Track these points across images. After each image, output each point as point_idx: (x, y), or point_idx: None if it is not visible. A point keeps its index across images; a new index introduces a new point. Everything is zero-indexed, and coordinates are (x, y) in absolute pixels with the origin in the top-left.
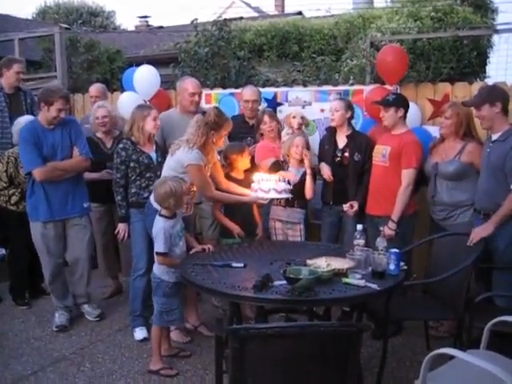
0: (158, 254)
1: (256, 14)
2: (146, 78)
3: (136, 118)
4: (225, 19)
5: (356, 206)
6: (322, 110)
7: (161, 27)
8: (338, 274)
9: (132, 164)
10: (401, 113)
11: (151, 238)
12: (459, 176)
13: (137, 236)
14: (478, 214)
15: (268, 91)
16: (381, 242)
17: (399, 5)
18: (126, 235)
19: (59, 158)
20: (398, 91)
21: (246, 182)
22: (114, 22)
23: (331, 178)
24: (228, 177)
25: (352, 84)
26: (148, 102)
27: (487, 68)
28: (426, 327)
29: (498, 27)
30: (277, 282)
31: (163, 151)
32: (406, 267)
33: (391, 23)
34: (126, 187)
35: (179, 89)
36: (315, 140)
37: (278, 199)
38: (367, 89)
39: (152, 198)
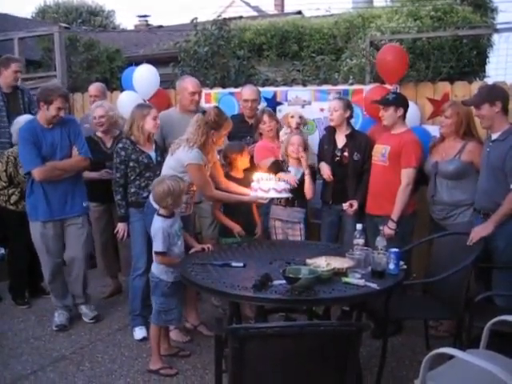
0: (156, 253)
1: (255, 14)
2: (145, 77)
3: (136, 118)
4: (224, 18)
5: (356, 205)
6: (322, 110)
7: (160, 26)
8: (338, 273)
9: (131, 163)
10: (400, 112)
11: (150, 237)
12: (459, 175)
13: (136, 235)
14: (478, 214)
15: (267, 90)
16: (380, 242)
17: (399, 4)
18: (126, 235)
19: (58, 158)
20: (398, 90)
21: (246, 182)
22: (114, 21)
23: (331, 177)
24: (227, 176)
25: (352, 83)
26: (147, 102)
27: (487, 67)
28: (426, 327)
29: (498, 26)
30: (276, 282)
31: (162, 150)
32: (405, 267)
33: (391, 23)
34: (126, 187)
35: (179, 88)
36: (315, 139)
37: (277, 199)
38: (367, 88)
39: (151, 197)
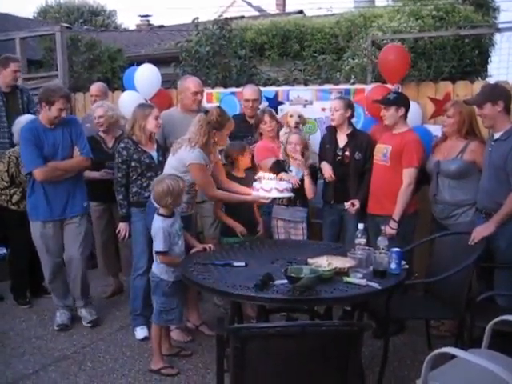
0: (157, 253)
1: (257, 13)
2: (146, 77)
3: (137, 117)
4: (226, 18)
5: (357, 204)
6: (323, 109)
7: (162, 26)
8: (340, 273)
9: (133, 163)
10: (401, 112)
11: (151, 237)
12: (461, 175)
13: (137, 235)
14: (480, 214)
15: (269, 90)
16: (382, 241)
17: (400, 3)
18: (127, 234)
19: (60, 158)
20: (400, 90)
21: (247, 181)
22: (115, 21)
23: (333, 176)
24: (229, 175)
25: (353, 83)
26: (149, 101)
27: (489, 67)
28: (428, 326)
29: (500, 26)
30: (278, 281)
31: (164, 150)
32: (407, 266)
33: (392, 22)
34: (127, 186)
35: (181, 88)
36: (316, 139)
37: (279, 198)
38: (369, 88)
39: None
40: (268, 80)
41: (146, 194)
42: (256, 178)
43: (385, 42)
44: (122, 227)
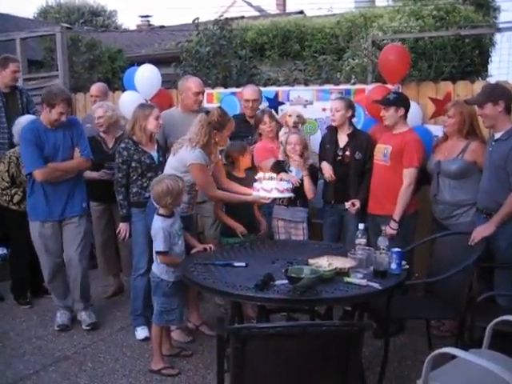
0: (158, 253)
1: (257, 13)
2: (147, 77)
3: (138, 118)
4: (226, 18)
5: (358, 204)
6: (324, 109)
7: (162, 26)
8: (340, 273)
9: (134, 164)
10: (401, 112)
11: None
12: (462, 175)
13: (138, 235)
14: (480, 214)
15: (269, 90)
16: (382, 242)
17: (401, 3)
18: (128, 235)
19: (60, 159)
20: (400, 90)
21: (248, 181)
22: (116, 21)
23: (333, 176)
24: (229, 175)
25: (354, 83)
26: (149, 102)
27: (489, 67)
28: (428, 326)
29: (500, 26)
30: (278, 282)
31: (164, 150)
32: (407, 266)
33: (393, 22)
34: (128, 187)
35: (182, 88)
36: (317, 139)
37: (280, 198)
38: (369, 88)
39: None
40: (268, 80)
41: (147, 195)
42: (256, 178)
43: (385, 42)
44: (123, 227)
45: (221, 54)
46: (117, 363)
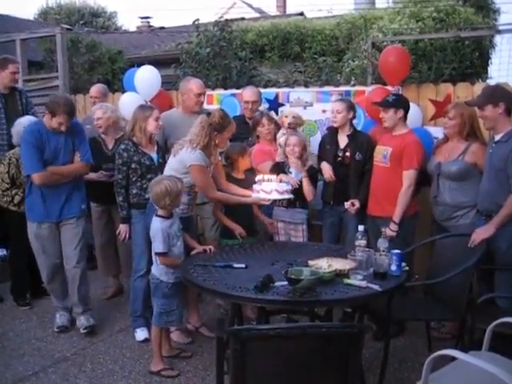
0: (157, 254)
1: (257, 15)
2: (146, 78)
3: (138, 119)
4: (226, 20)
5: (357, 204)
6: (324, 111)
7: (162, 28)
8: (340, 274)
9: (133, 165)
10: (400, 114)
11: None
12: (462, 176)
13: (137, 237)
14: (481, 215)
15: (269, 92)
16: (382, 243)
17: (401, 5)
18: (128, 236)
19: (60, 163)
20: (400, 92)
21: (247, 182)
22: (116, 22)
23: (333, 177)
24: (229, 177)
25: (354, 85)
26: (149, 103)
27: (489, 69)
28: (428, 328)
29: (500, 28)
30: (278, 283)
31: (164, 152)
32: (407, 268)
33: (393, 24)
34: (127, 188)
35: (184, 89)
36: (317, 141)
37: (279, 200)
38: (369, 89)
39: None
40: (268, 82)
41: (146, 196)
42: (256, 180)
43: (385, 43)
44: (123, 229)
45: (221, 55)
46: (116, 364)
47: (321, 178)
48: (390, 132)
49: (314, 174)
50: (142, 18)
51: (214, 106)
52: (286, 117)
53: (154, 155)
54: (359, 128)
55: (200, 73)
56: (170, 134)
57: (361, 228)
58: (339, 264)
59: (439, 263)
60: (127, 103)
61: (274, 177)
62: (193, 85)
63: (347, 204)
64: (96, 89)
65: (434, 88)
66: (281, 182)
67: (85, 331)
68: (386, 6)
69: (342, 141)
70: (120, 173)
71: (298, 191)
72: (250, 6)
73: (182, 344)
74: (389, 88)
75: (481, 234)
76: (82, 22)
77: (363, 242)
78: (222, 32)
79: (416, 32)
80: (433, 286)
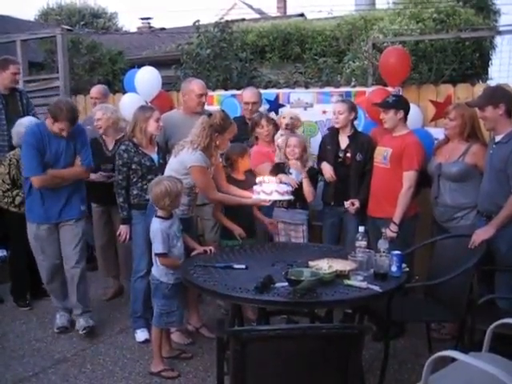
0: (157, 254)
1: (258, 16)
2: (147, 79)
3: (138, 120)
4: (227, 21)
5: (357, 203)
6: (324, 112)
7: (163, 29)
8: (340, 275)
9: (134, 166)
10: (400, 115)
11: None
12: (462, 177)
13: (138, 238)
14: (481, 216)
15: (270, 93)
16: (383, 244)
17: (401, 6)
18: (128, 237)
19: (61, 165)
20: (400, 93)
21: (247, 183)
22: (117, 23)
23: (334, 177)
24: (229, 177)
25: (354, 86)
26: (150, 104)
27: (490, 70)
28: (428, 329)
29: (501, 29)
30: (278, 284)
31: (165, 153)
32: (407, 269)
33: (393, 25)
34: (128, 189)
35: (185, 90)
36: (317, 142)
37: (279, 201)
38: (369, 90)
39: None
40: (269, 82)
41: (147, 197)
42: (257, 181)
43: (385, 44)
44: (123, 230)
45: (221, 56)
46: (116, 365)
47: (321, 179)
48: (390, 133)
49: (314, 175)
50: (143, 18)
51: (214, 107)
52: (284, 118)
53: (155, 156)
54: (360, 129)
55: (200, 74)
56: (171, 135)
57: (361, 229)
58: (339, 265)
59: (439, 264)
60: (128, 104)
61: (274, 178)
62: (194, 85)
63: (347, 203)
64: (96, 90)
65: (435, 89)
66: (281, 182)
67: (84, 332)
68: (386, 7)
69: (343, 141)
70: (120, 174)
71: (298, 192)
72: (251, 6)
73: (182, 345)
74: (389, 89)
75: (481, 235)
76: (82, 23)
77: (363, 243)
78: (223, 33)
79: (416, 33)
80: (433, 287)
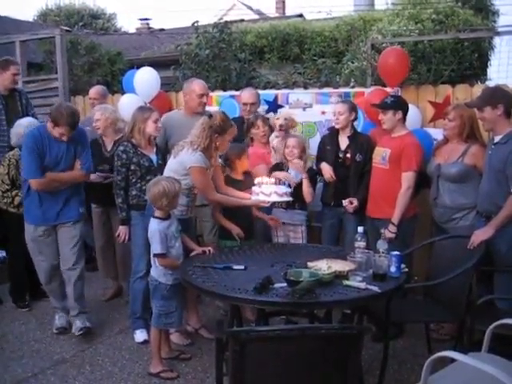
0: (155, 255)
1: (257, 17)
2: (146, 80)
3: (137, 121)
4: (226, 21)
5: (355, 202)
6: (323, 113)
7: (162, 29)
8: (339, 276)
9: (133, 167)
10: (399, 115)
11: None
12: (462, 178)
13: (137, 238)
14: (480, 216)
15: (269, 93)
16: (382, 245)
17: (400, 7)
18: (127, 238)
19: (61, 169)
20: (399, 93)
21: (246, 183)
22: (115, 24)
23: (333, 177)
24: (227, 178)
25: (353, 86)
26: (148, 104)
27: (488, 70)
28: (427, 330)
29: (499, 29)
30: (277, 285)
31: (164, 153)
32: (406, 269)
33: (392, 25)
34: (127, 189)
35: (186, 90)
36: (316, 142)
37: (279, 202)
38: (368, 91)
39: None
40: (268, 83)
41: (146, 197)
42: (256, 182)
43: (384, 45)
44: (122, 230)
45: (220, 56)
46: (115, 366)
47: (320, 180)
48: (389, 134)
49: (313, 176)
50: (142, 19)
51: (213, 108)
52: (278, 119)
53: (153, 157)
54: (359, 129)
55: (199, 74)
56: (171, 135)
57: (360, 229)
58: (338, 265)
59: (438, 265)
60: (126, 104)
61: (272, 179)
62: (195, 86)
63: (345, 202)
64: (95, 90)
65: (433, 89)
66: (279, 182)
67: (80, 333)
68: (385, 8)
69: (343, 142)
70: (119, 174)
71: (297, 193)
72: (250, 7)
73: (181, 346)
74: (388, 89)
75: (480, 235)
76: (81, 24)
77: (362, 244)
78: (222, 34)
79: (415, 34)
80: (432, 288)
